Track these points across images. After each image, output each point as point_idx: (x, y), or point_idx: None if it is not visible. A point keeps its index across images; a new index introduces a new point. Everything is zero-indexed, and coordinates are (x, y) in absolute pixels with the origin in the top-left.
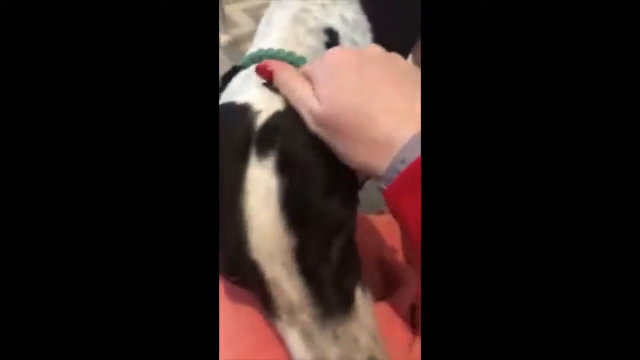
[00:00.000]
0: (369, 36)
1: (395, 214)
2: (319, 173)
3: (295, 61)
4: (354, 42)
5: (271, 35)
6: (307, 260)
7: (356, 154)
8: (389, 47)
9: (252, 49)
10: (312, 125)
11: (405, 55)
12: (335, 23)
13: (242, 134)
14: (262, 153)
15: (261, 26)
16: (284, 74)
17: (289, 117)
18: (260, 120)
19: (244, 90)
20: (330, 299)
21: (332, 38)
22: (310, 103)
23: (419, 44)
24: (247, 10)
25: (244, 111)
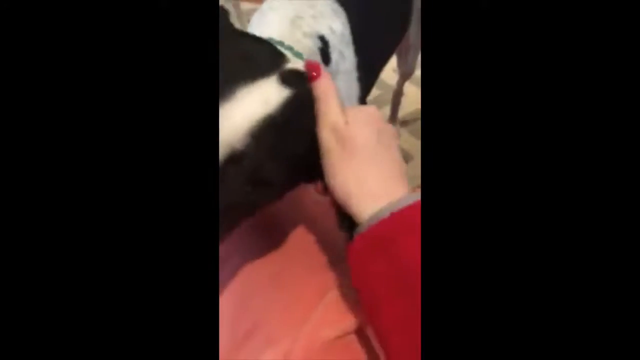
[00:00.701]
0: (351, 48)
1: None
2: (304, 155)
3: (295, 55)
4: (341, 53)
5: (270, 27)
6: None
7: (367, 179)
8: (366, 58)
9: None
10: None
11: (381, 64)
12: (325, 33)
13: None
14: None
15: (255, 20)
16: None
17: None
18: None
19: None
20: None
21: (324, 45)
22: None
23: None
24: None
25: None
